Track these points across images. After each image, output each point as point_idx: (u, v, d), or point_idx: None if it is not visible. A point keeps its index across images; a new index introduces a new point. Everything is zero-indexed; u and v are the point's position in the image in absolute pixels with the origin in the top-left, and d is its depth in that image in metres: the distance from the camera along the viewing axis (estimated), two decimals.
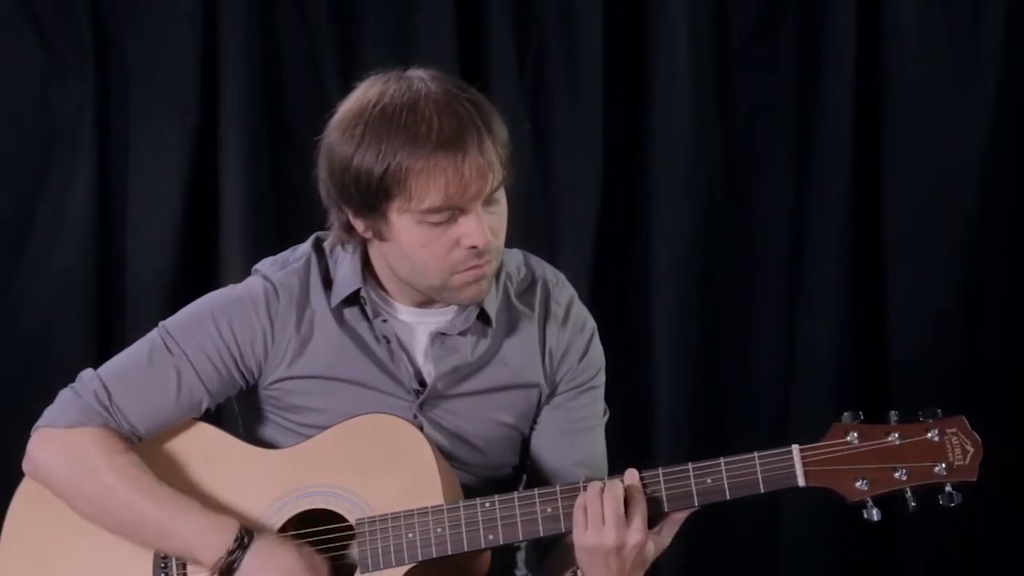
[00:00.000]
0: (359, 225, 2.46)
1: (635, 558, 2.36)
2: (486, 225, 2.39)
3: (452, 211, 2.38)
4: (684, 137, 3.77)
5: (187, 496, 2.49)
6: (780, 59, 3.79)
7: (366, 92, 2.42)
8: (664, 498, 2.38)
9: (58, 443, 2.52)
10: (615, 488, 2.36)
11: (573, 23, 3.76)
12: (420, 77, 2.42)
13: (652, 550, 2.38)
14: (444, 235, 2.40)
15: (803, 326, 3.79)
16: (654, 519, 2.38)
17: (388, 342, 2.52)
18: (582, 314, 2.61)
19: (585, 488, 2.39)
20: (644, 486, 2.38)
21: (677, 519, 2.39)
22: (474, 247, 2.40)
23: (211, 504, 2.51)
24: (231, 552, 2.44)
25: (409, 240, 2.42)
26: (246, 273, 2.62)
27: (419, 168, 2.35)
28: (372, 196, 2.39)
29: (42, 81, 3.73)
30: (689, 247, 3.79)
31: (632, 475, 2.38)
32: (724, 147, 3.80)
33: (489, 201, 2.40)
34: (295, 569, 2.43)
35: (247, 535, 2.44)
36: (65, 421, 2.52)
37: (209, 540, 2.45)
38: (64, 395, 2.55)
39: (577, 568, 2.41)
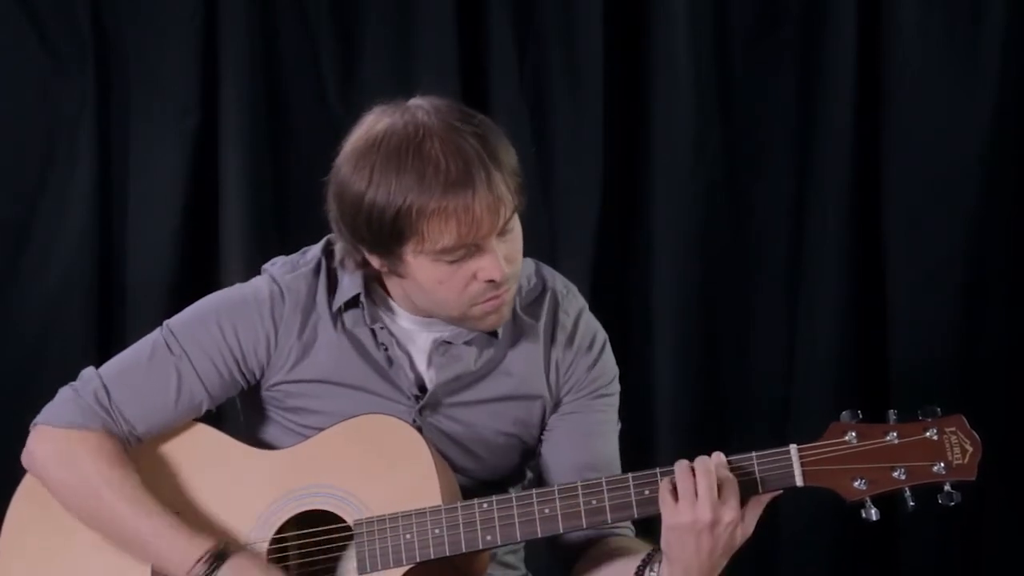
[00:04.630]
0: (375, 262, 2.45)
1: (727, 539, 2.31)
2: (502, 255, 2.38)
3: (467, 248, 2.37)
4: (684, 137, 3.77)
5: (172, 513, 2.49)
6: (780, 59, 3.79)
7: (371, 128, 2.40)
8: (758, 479, 2.34)
9: (54, 445, 2.52)
10: (706, 463, 2.32)
11: (573, 23, 3.76)
12: (424, 109, 2.39)
13: (740, 534, 2.33)
14: (461, 271, 2.39)
15: (803, 326, 3.79)
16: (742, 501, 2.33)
17: (386, 349, 2.52)
18: (591, 326, 2.60)
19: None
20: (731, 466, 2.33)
21: (761, 502, 2.34)
22: (492, 280, 2.39)
23: (209, 505, 2.51)
24: (199, 573, 2.44)
25: (426, 278, 2.41)
26: (246, 273, 2.62)
27: (430, 211, 2.33)
28: (385, 238, 2.38)
29: (42, 81, 3.73)
30: (689, 247, 3.79)
31: (717, 455, 2.34)
32: (724, 147, 3.80)
33: (503, 231, 2.38)
34: None
35: (219, 558, 2.44)
36: (64, 421, 2.52)
37: (181, 560, 2.45)
38: (64, 393, 2.55)
39: (650, 560, 2.39)
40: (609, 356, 2.60)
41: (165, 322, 2.57)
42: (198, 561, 2.43)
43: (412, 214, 2.34)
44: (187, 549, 2.45)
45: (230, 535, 2.49)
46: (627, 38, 3.79)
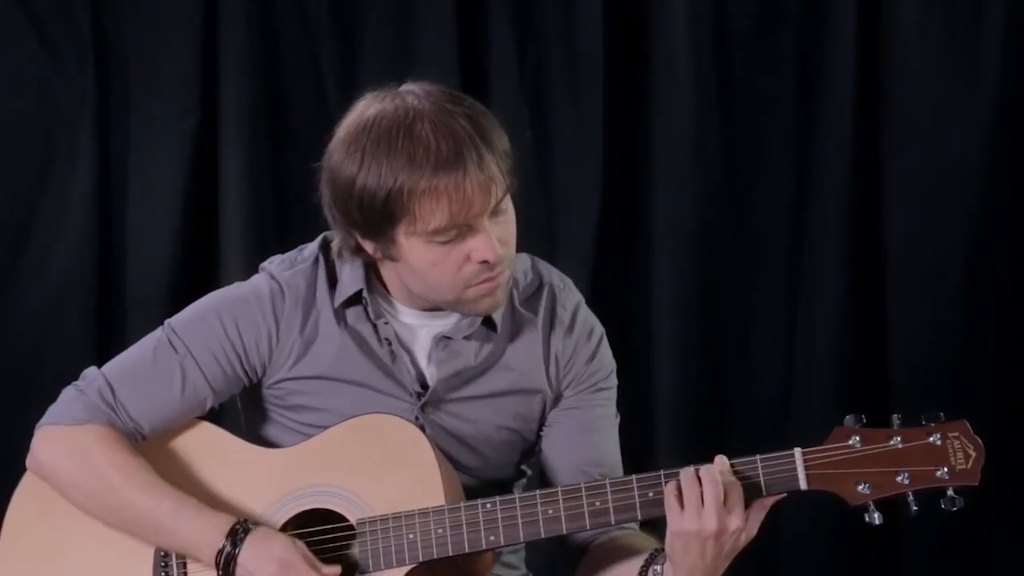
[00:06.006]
0: (368, 247, 2.45)
1: (732, 545, 2.32)
2: (495, 236, 2.38)
3: (459, 229, 2.37)
4: (684, 137, 3.77)
5: (187, 494, 2.49)
6: (780, 59, 3.79)
7: (362, 114, 2.41)
8: (762, 483, 2.34)
9: (62, 441, 2.52)
10: (712, 471, 2.31)
11: (573, 23, 3.76)
12: (414, 94, 2.40)
13: (745, 537, 2.33)
14: (454, 252, 2.39)
15: (803, 326, 3.79)
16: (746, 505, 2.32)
17: (389, 344, 2.52)
18: (589, 320, 2.60)
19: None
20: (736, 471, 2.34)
21: (765, 505, 2.34)
22: (485, 261, 2.39)
23: (211, 502, 2.51)
24: (226, 548, 2.43)
25: (419, 260, 2.41)
26: (246, 273, 2.61)
27: (421, 191, 2.33)
28: (377, 220, 2.38)
29: (42, 81, 3.73)
30: (689, 247, 3.79)
31: (721, 461, 2.34)
32: (724, 147, 3.80)
33: (496, 212, 2.39)
34: (288, 560, 2.42)
35: (242, 530, 2.44)
36: (69, 418, 2.52)
37: (206, 538, 2.45)
38: (68, 392, 2.55)
39: (653, 559, 2.40)
40: (607, 349, 2.61)
41: (167, 321, 2.57)
42: (219, 538, 2.43)
43: (403, 194, 2.34)
44: (209, 527, 2.45)
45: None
46: (627, 38, 3.79)
